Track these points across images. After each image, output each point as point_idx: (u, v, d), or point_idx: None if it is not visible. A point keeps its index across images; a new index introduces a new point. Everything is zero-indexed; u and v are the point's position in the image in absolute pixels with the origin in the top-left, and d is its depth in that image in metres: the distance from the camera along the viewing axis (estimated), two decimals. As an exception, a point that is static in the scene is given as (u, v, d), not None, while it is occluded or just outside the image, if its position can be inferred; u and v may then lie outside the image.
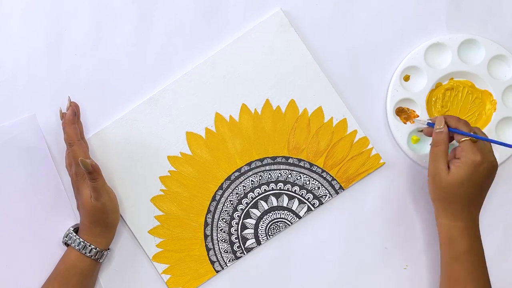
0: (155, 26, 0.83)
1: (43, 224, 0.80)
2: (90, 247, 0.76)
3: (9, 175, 0.80)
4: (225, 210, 0.82)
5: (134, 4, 0.83)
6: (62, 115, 0.78)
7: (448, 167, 0.73)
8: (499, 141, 0.75)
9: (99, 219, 0.76)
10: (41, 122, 0.82)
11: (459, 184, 0.72)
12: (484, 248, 0.83)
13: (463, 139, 0.73)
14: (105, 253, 0.78)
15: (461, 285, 0.73)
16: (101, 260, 0.77)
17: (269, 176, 0.83)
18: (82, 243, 0.76)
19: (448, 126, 0.75)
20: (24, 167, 0.80)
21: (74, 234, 0.77)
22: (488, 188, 0.75)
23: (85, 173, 0.74)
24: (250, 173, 0.83)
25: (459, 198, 0.73)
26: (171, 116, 0.83)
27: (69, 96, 0.80)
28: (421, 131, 0.82)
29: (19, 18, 0.83)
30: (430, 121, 0.79)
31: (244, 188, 0.83)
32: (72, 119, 0.77)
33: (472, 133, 0.73)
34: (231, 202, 0.83)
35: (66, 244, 0.78)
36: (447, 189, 0.73)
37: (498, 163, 0.82)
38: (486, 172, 0.73)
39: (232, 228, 0.82)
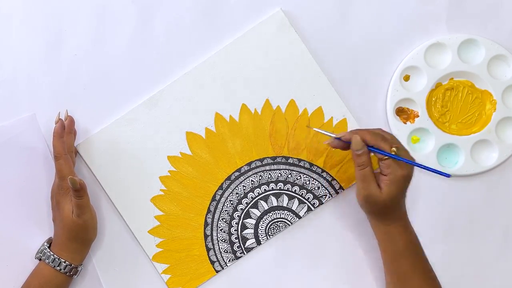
0: (155, 26, 0.83)
1: (43, 223, 0.80)
2: (64, 264, 0.75)
3: (9, 174, 0.80)
4: (225, 210, 0.82)
5: (134, 4, 0.83)
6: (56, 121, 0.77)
7: (378, 185, 0.73)
8: (426, 166, 0.74)
9: (78, 236, 0.75)
10: (41, 122, 0.81)
11: (393, 199, 0.73)
12: (484, 248, 0.83)
13: (386, 157, 0.72)
14: (79, 268, 0.77)
15: (409, 277, 0.74)
16: (75, 276, 0.77)
17: (269, 176, 0.83)
18: (56, 259, 0.75)
19: (366, 144, 0.74)
20: (24, 167, 0.80)
21: (49, 250, 0.76)
22: None
23: (71, 190, 0.73)
24: (250, 173, 0.83)
25: (394, 209, 0.75)
26: (171, 116, 0.83)
27: (66, 110, 0.79)
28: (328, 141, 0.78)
29: (19, 18, 0.83)
30: (339, 137, 0.76)
31: (244, 188, 0.83)
32: (60, 132, 0.75)
33: (392, 153, 0.72)
34: (231, 202, 0.83)
35: (39, 259, 0.77)
36: (383, 206, 0.74)
37: (498, 163, 0.83)
38: (411, 178, 0.74)
39: (232, 228, 0.82)
